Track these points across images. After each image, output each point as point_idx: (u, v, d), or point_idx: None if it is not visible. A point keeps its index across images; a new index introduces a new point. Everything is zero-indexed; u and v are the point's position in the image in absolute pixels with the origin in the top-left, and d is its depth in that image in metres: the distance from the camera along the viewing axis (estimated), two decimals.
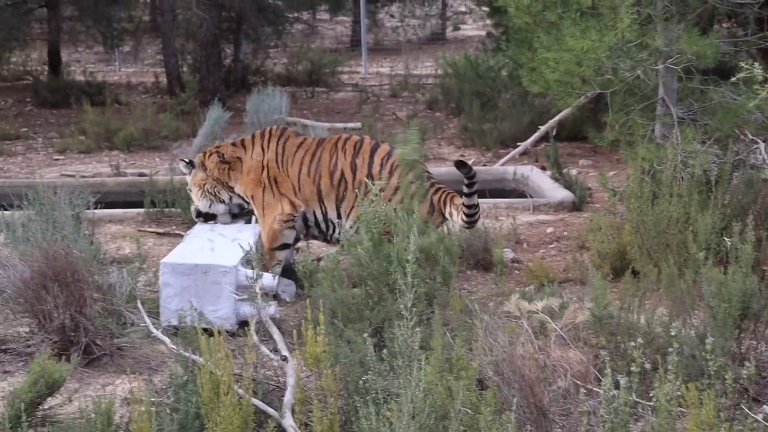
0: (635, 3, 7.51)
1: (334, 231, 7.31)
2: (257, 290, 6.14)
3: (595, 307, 5.53)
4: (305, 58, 21.00)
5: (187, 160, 7.68)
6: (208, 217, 7.55)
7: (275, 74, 20.14)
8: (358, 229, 6.28)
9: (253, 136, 7.58)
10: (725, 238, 6.43)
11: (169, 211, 9.74)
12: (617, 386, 4.06)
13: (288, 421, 4.71)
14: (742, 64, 6.86)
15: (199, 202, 7.52)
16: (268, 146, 7.42)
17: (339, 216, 7.25)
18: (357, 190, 6.91)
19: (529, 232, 9.19)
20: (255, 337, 5.55)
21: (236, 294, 6.42)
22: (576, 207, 10.09)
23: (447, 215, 7.06)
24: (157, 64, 22.22)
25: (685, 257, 6.58)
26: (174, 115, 15.72)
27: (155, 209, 9.81)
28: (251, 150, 7.46)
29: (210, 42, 17.40)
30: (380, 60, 24.31)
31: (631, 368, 4.14)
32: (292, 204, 7.26)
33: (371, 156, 7.24)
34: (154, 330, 6.04)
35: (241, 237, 7.07)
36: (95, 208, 7.99)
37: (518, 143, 12.93)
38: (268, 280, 6.53)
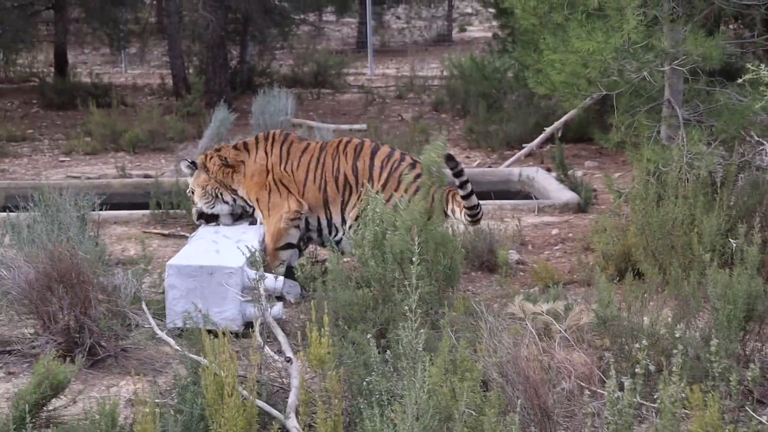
0: (641, 4, 7.51)
1: (336, 234, 7.34)
2: (261, 291, 6.14)
3: (599, 308, 5.52)
4: (311, 60, 21.02)
5: (189, 161, 7.68)
6: (210, 219, 7.56)
7: (281, 76, 20.16)
8: (359, 229, 6.29)
9: (257, 139, 7.59)
10: (730, 240, 6.44)
11: (175, 213, 9.75)
12: (621, 388, 4.06)
13: (292, 423, 4.70)
14: (749, 65, 6.84)
15: (202, 203, 7.53)
16: (272, 150, 7.44)
17: (343, 220, 7.27)
18: (359, 194, 6.95)
19: (534, 234, 9.18)
20: (259, 339, 5.55)
21: (242, 296, 6.42)
22: (581, 208, 10.08)
23: (449, 212, 7.09)
24: (163, 65, 22.25)
25: (691, 259, 6.57)
26: (180, 117, 15.74)
27: (160, 211, 9.82)
28: (254, 153, 7.47)
29: (216, 44, 17.41)
30: (386, 61, 24.32)
31: (636, 370, 4.14)
32: (299, 202, 7.28)
33: (371, 159, 7.26)
34: (158, 331, 6.04)
35: (246, 238, 7.08)
36: (100, 210, 8.00)
37: (524, 145, 12.93)
38: (272, 281, 6.54)
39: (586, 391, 4.58)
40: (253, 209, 7.52)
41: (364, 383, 4.61)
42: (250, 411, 4.49)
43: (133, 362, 6.06)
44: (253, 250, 6.65)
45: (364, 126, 15.08)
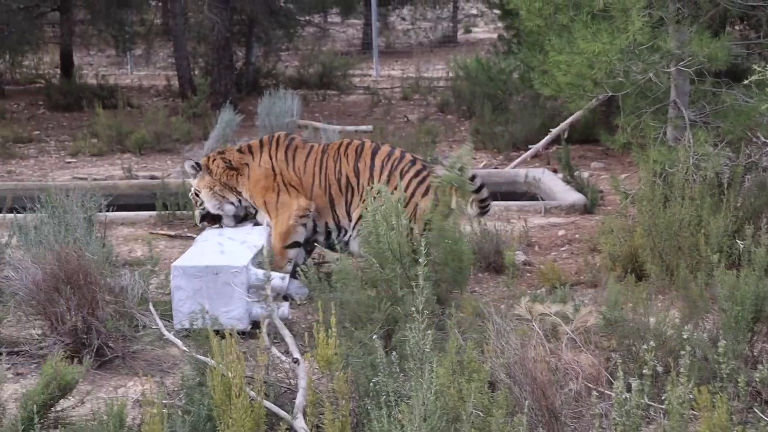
0: (647, 5, 7.51)
1: (344, 235, 7.37)
2: (268, 290, 6.15)
3: (607, 311, 5.52)
4: (316, 61, 21.03)
5: (194, 162, 7.69)
6: (213, 220, 7.57)
7: (287, 77, 20.17)
8: (362, 229, 6.30)
9: (261, 143, 7.60)
10: (738, 241, 6.43)
11: (181, 214, 9.76)
12: (629, 389, 4.06)
13: (299, 424, 4.71)
14: (755, 66, 6.84)
15: (211, 205, 7.53)
16: (276, 155, 7.46)
17: (350, 221, 7.31)
18: (360, 194, 6.99)
19: (540, 235, 9.18)
20: (267, 340, 5.56)
21: (248, 296, 6.43)
22: (587, 210, 10.07)
23: (453, 205, 7.11)
24: (168, 67, 22.28)
25: (698, 260, 6.57)
26: (185, 118, 15.75)
27: (167, 212, 9.83)
28: (258, 157, 7.49)
29: (222, 45, 17.43)
30: (391, 63, 24.34)
31: (643, 371, 4.13)
32: (308, 200, 7.33)
33: (372, 159, 7.29)
34: (166, 332, 6.05)
35: (250, 239, 7.10)
36: (107, 211, 8.01)
37: (530, 146, 12.92)
38: (279, 279, 6.55)
39: (594, 392, 4.57)
40: (256, 212, 7.54)
41: (372, 384, 4.61)
42: (257, 412, 4.50)
43: (141, 363, 6.07)
44: (259, 248, 6.67)
45: (369, 127, 15.08)
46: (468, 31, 31.28)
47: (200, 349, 5.40)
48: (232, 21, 18.08)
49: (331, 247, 7.50)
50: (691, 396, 4.04)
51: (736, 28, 12.32)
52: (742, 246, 5.81)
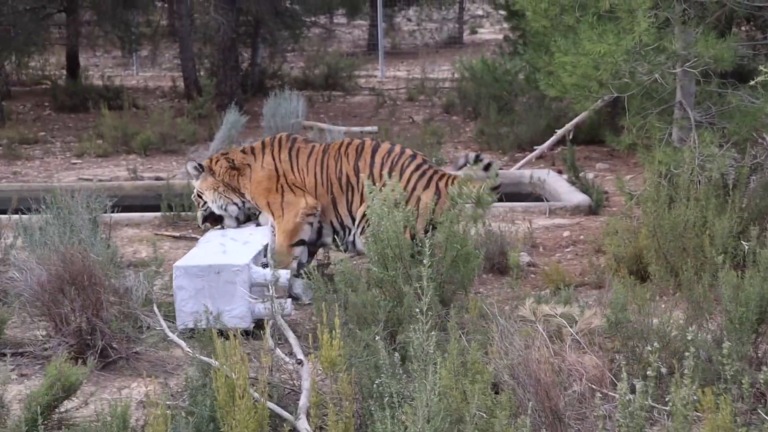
0: (653, 6, 7.49)
1: (348, 234, 7.39)
2: (271, 288, 6.16)
3: (611, 313, 5.51)
4: (322, 62, 21.04)
5: (196, 163, 7.70)
6: (215, 221, 7.58)
7: (292, 78, 20.18)
8: (366, 228, 6.31)
9: (263, 144, 7.63)
10: (743, 242, 6.42)
11: (186, 215, 9.77)
12: (633, 390, 4.05)
13: (303, 425, 4.71)
14: (761, 67, 6.84)
15: (216, 206, 7.54)
16: (279, 156, 7.47)
17: (353, 220, 7.33)
18: (362, 192, 7.04)
19: (545, 236, 9.17)
20: (270, 341, 5.56)
21: (250, 295, 6.44)
22: (592, 211, 10.07)
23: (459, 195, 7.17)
24: (174, 68, 22.30)
25: (702, 261, 6.55)
26: (191, 119, 15.77)
27: (172, 213, 9.84)
28: (261, 158, 7.51)
29: (227, 46, 17.44)
30: (397, 64, 24.34)
31: (647, 372, 4.12)
32: (314, 199, 7.36)
33: (372, 157, 7.32)
34: (170, 333, 6.05)
35: (253, 239, 7.11)
36: (112, 212, 8.02)
37: (535, 147, 12.91)
38: (284, 277, 6.56)
39: (598, 394, 4.56)
40: (259, 213, 7.55)
41: (375, 385, 4.61)
42: (261, 413, 4.49)
43: (145, 364, 6.08)
44: (262, 247, 6.68)
45: (375, 128, 15.09)
46: (474, 32, 31.28)
47: (204, 350, 5.40)
48: (237, 22, 18.10)
49: (339, 248, 7.53)
50: (695, 397, 4.03)
51: (743, 28, 12.32)
52: (747, 247, 5.79)
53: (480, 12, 34.71)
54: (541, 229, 9.37)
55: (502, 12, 18.47)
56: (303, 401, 4.89)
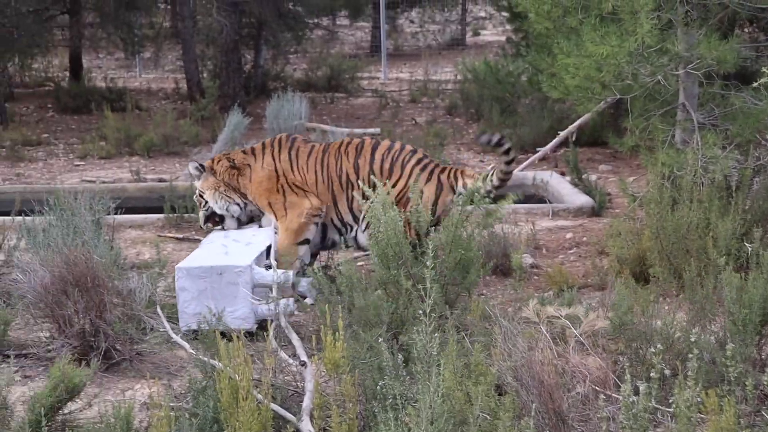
0: (655, 8, 7.49)
1: (350, 231, 7.43)
2: (275, 290, 6.16)
3: (615, 316, 5.51)
4: (325, 64, 21.04)
5: (198, 164, 7.73)
6: (218, 221, 7.60)
7: (295, 80, 20.18)
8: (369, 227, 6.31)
9: (263, 145, 7.67)
10: (746, 244, 6.42)
11: (189, 217, 9.77)
12: (636, 392, 4.05)
13: (306, 426, 4.71)
14: (764, 69, 6.83)
15: (217, 206, 7.57)
16: (279, 156, 7.50)
17: (354, 217, 7.35)
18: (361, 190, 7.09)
19: (548, 238, 9.17)
20: (274, 343, 5.56)
21: (252, 295, 6.44)
22: (595, 212, 10.06)
23: (461, 187, 7.20)
24: (177, 70, 22.31)
25: (706, 263, 6.55)
26: (194, 121, 15.77)
27: (175, 214, 9.85)
28: (261, 158, 7.54)
29: (230, 48, 17.45)
30: (400, 65, 24.34)
31: (651, 374, 4.12)
32: (319, 200, 7.37)
33: (372, 154, 7.36)
34: (173, 335, 6.06)
35: (256, 240, 7.12)
36: (115, 214, 8.02)
37: (538, 148, 12.90)
38: (288, 277, 6.57)
39: (601, 396, 4.57)
40: (262, 215, 7.57)
41: (379, 387, 4.61)
42: (264, 415, 4.50)
43: (148, 366, 6.08)
44: (265, 248, 6.69)
45: (377, 130, 15.09)
46: (476, 33, 31.27)
47: (207, 352, 5.41)
48: (240, 24, 18.10)
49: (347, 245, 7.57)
50: (698, 399, 4.03)
51: (746, 30, 12.31)
52: (750, 249, 5.79)
53: (483, 14, 34.71)
54: (544, 231, 9.37)
55: (505, 14, 18.45)
56: (306, 403, 4.89)
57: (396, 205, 7.01)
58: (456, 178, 7.30)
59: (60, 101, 18.45)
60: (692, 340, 4.38)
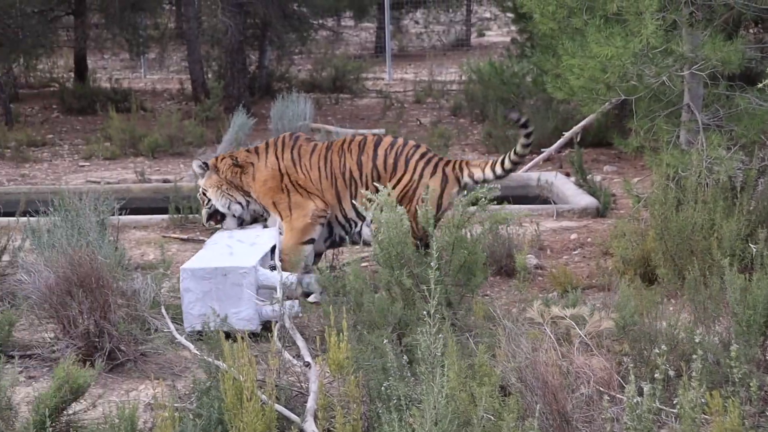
0: (660, 9, 7.49)
1: (355, 227, 7.44)
2: (279, 291, 6.16)
3: (619, 317, 5.51)
4: (329, 65, 21.04)
5: (201, 162, 7.74)
6: (219, 219, 7.62)
7: (300, 81, 20.20)
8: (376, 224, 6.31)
9: (267, 144, 7.69)
10: (750, 245, 6.40)
11: (193, 217, 9.77)
12: (641, 393, 4.05)
13: (310, 427, 4.71)
14: None
15: (219, 204, 7.58)
16: (282, 155, 7.51)
17: (358, 214, 7.36)
18: (366, 185, 7.21)
19: (552, 239, 9.17)
20: (278, 344, 5.56)
21: (257, 297, 6.44)
22: (600, 213, 10.06)
23: (467, 178, 7.24)
24: (182, 70, 22.33)
25: (710, 264, 6.55)
26: (199, 122, 15.78)
27: (179, 215, 9.85)
28: (264, 158, 7.55)
29: (235, 49, 17.46)
30: (404, 66, 24.33)
31: (655, 375, 4.12)
32: (324, 201, 7.36)
33: (375, 150, 7.39)
34: (177, 336, 6.06)
35: (260, 241, 7.13)
36: (120, 214, 8.03)
37: (542, 149, 12.89)
38: (293, 279, 6.57)
39: (606, 396, 4.56)
40: (267, 215, 7.58)
41: (383, 388, 4.61)
42: (268, 415, 4.50)
43: (153, 366, 6.09)
44: (269, 249, 6.70)
45: (382, 131, 15.05)
46: (481, 34, 31.27)
47: (212, 353, 5.41)
48: (245, 25, 18.12)
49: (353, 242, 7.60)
50: (703, 400, 4.03)
51: (750, 31, 12.31)
52: (754, 250, 5.78)
53: (487, 14, 34.67)
54: (548, 232, 9.36)
55: (510, 14, 18.45)
56: (310, 403, 4.89)
57: (401, 200, 7.06)
58: (461, 170, 7.34)
59: (65, 102, 18.47)
60: (696, 341, 4.38)
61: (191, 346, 5.79)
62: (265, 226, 7.59)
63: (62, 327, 6.09)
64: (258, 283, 6.50)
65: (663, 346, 4.29)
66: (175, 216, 9.85)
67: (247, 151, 7.74)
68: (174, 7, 23.87)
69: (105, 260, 6.53)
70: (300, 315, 6.43)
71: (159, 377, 5.63)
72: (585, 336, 5.72)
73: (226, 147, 13.07)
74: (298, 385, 5.38)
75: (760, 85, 7.18)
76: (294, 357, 5.65)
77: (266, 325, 6.43)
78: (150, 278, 6.75)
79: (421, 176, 7.26)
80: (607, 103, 9.73)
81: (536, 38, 13.35)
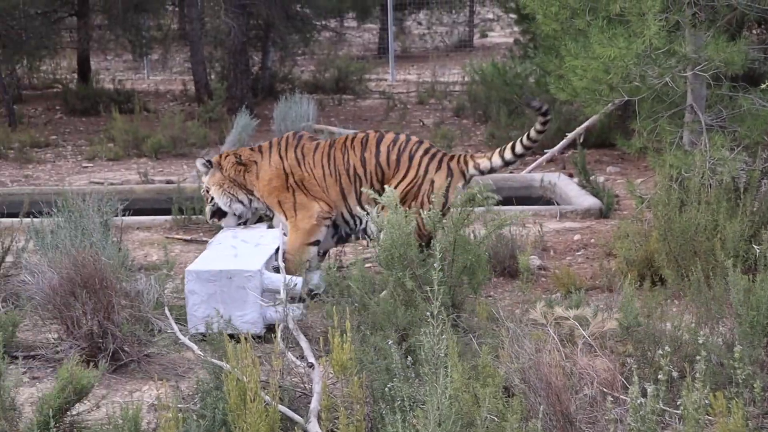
0: (663, 10, 7.48)
1: (360, 223, 7.45)
2: (282, 293, 6.16)
3: (622, 318, 5.51)
4: (332, 66, 21.04)
5: (205, 160, 7.75)
6: (222, 217, 7.63)
7: (302, 82, 20.20)
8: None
9: (270, 143, 7.69)
10: (754, 246, 6.41)
11: (197, 218, 9.78)
12: (644, 394, 4.05)
13: (314, 428, 4.71)
14: None
15: (222, 202, 7.59)
16: (287, 154, 7.51)
17: (363, 209, 7.37)
18: (370, 181, 7.27)
19: (556, 240, 9.16)
20: (282, 344, 5.57)
21: (262, 299, 6.44)
22: (603, 214, 10.05)
23: (473, 170, 7.28)
24: (185, 72, 22.33)
25: (713, 265, 6.54)
26: (202, 123, 15.79)
27: (182, 216, 9.86)
28: (268, 156, 7.55)
29: (238, 50, 17.46)
30: (407, 67, 24.33)
31: (659, 376, 4.12)
32: (328, 203, 7.38)
33: (377, 146, 7.40)
34: (181, 336, 6.06)
35: (264, 242, 7.12)
36: (123, 215, 8.03)
37: (545, 150, 12.89)
38: (297, 283, 6.57)
39: (609, 398, 4.57)
40: (272, 215, 7.58)
41: (386, 389, 4.61)
42: (272, 416, 4.50)
43: (156, 367, 6.09)
44: (273, 251, 6.70)
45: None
46: (484, 35, 31.25)
47: (215, 354, 5.41)
48: (248, 26, 18.12)
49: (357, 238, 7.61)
50: (706, 401, 4.03)
51: (754, 32, 12.28)
52: (758, 251, 5.78)
53: (490, 15, 34.68)
54: (551, 233, 9.36)
55: (513, 15, 18.44)
56: (314, 404, 4.89)
57: (406, 196, 7.07)
58: (466, 163, 7.36)
59: (68, 103, 18.48)
60: (700, 342, 4.38)
61: (195, 347, 5.80)
62: (270, 226, 7.59)
63: (66, 328, 6.09)
64: (263, 286, 6.49)
65: (666, 347, 4.29)
66: (178, 217, 9.86)
67: (251, 149, 7.74)
68: (177, 8, 23.90)
69: (108, 261, 6.53)
70: (303, 318, 6.43)
71: (162, 378, 5.64)
72: (588, 337, 5.72)
73: (229, 148, 13.06)
74: (302, 386, 5.38)
75: (763, 86, 7.18)
76: (297, 358, 5.65)
77: (270, 329, 6.43)
78: (153, 279, 6.75)
79: (426, 172, 7.27)
80: (610, 104, 9.71)
81: (539, 39, 13.33)
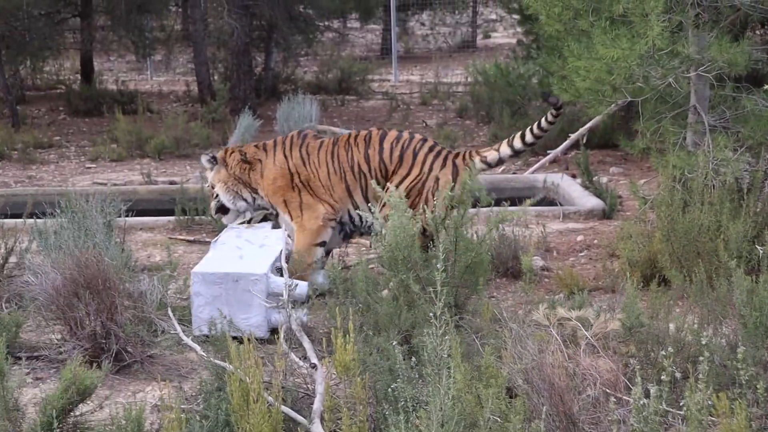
0: (666, 10, 7.48)
1: (366, 221, 7.45)
2: (286, 294, 6.16)
3: (625, 318, 5.51)
4: (335, 67, 21.05)
5: (210, 156, 7.74)
6: (226, 212, 7.65)
7: (305, 82, 20.21)
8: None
9: (275, 142, 7.69)
10: (757, 246, 6.40)
11: (200, 219, 9.79)
12: (647, 395, 4.04)
13: (317, 429, 4.71)
14: None
15: (223, 197, 7.59)
16: (291, 153, 7.51)
17: (368, 204, 7.38)
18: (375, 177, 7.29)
19: (558, 240, 9.16)
20: (285, 345, 5.56)
21: (267, 302, 6.44)
22: (606, 215, 10.05)
23: (480, 164, 7.42)
24: (188, 72, 22.35)
25: (716, 265, 6.54)
26: (205, 124, 15.79)
27: (186, 217, 9.86)
28: (272, 155, 7.55)
29: (241, 50, 17.47)
30: (410, 68, 24.34)
31: (662, 377, 4.12)
32: (332, 206, 7.38)
33: (381, 144, 7.41)
34: (184, 337, 6.07)
35: (269, 243, 7.11)
36: (126, 216, 8.04)
37: (548, 151, 12.89)
38: (302, 287, 6.57)
39: (612, 398, 4.56)
40: (278, 214, 7.57)
41: (389, 389, 4.61)
42: (275, 417, 4.50)
43: (159, 368, 6.09)
44: (278, 252, 6.70)
45: None
46: (487, 36, 31.26)
47: (218, 355, 5.41)
48: (251, 27, 18.12)
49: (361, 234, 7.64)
50: (709, 402, 4.03)
51: (757, 32, 12.28)
52: (761, 251, 5.78)
53: (493, 16, 34.68)
54: (554, 234, 9.36)
55: (516, 16, 18.46)
56: (317, 405, 4.89)
57: (409, 193, 7.07)
58: (471, 158, 7.37)
59: (71, 104, 18.49)
60: (703, 342, 4.37)
61: (198, 348, 5.80)
62: (275, 226, 7.58)
63: (69, 328, 6.10)
64: (269, 290, 6.48)
65: (669, 348, 4.29)
66: (181, 218, 9.86)
67: (256, 146, 7.72)
68: (180, 9, 23.92)
69: (111, 262, 6.53)
70: (306, 323, 6.43)
71: (166, 379, 5.64)
72: (591, 338, 5.71)
73: None
74: (305, 386, 5.38)
75: (766, 87, 7.18)
76: (300, 359, 5.65)
77: (275, 332, 6.43)
78: (156, 280, 6.75)
79: (430, 169, 7.27)
80: (613, 105, 9.72)
81: (542, 40, 13.33)
